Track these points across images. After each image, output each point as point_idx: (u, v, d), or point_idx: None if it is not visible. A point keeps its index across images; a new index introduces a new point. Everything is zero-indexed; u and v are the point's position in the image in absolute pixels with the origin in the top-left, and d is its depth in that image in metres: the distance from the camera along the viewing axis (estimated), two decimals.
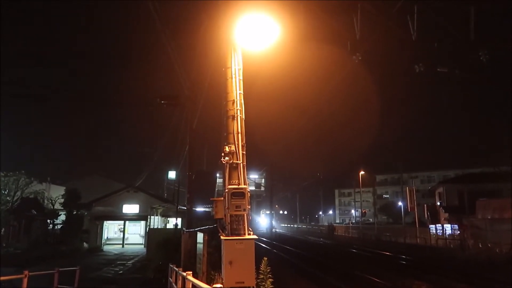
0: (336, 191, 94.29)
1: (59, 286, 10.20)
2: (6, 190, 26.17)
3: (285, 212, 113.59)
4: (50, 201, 29.53)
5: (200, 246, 9.37)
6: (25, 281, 7.78)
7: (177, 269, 8.46)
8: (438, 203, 38.73)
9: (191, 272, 6.25)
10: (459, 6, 10.21)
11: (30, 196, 27.97)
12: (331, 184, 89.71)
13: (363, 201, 62.51)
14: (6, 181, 26.10)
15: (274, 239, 43.82)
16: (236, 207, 6.09)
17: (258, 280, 7.24)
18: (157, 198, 34.10)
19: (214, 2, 7.87)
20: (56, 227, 28.65)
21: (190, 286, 5.85)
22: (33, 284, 8.38)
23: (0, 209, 24.56)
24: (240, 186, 6.33)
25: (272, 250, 27.29)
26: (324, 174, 76.54)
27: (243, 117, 6.84)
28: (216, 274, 8.13)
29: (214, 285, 3.64)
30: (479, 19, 10.06)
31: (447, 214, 33.46)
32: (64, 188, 33.00)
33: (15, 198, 26.57)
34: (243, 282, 5.80)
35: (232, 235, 6.09)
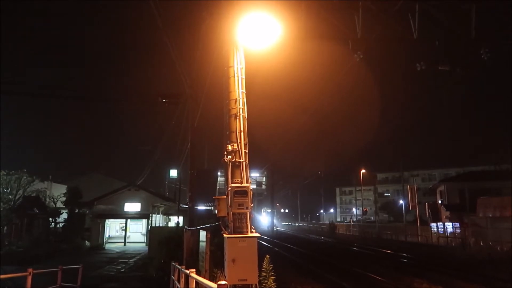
0: (337, 190, 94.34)
1: (62, 284, 10.25)
2: (8, 189, 26.24)
3: (286, 210, 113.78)
4: (52, 199, 29.59)
5: (202, 244, 9.42)
6: (29, 278, 7.82)
7: (179, 267, 8.51)
8: (439, 201, 38.75)
9: (194, 270, 6.29)
10: (460, 4, 10.21)
11: (32, 195, 28.03)
12: (332, 182, 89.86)
13: (364, 199, 62.59)
14: (8, 180, 26.16)
15: (276, 237, 43.90)
16: (239, 205, 6.12)
17: (261, 278, 7.28)
18: (159, 197, 34.14)
19: (216, 1, 7.89)
20: (58, 225, 28.72)
21: (194, 284, 5.89)
22: (36, 282, 8.42)
23: (2, 207, 24.64)
24: (242, 185, 6.36)
25: (274, 248, 27.36)
26: (325, 172, 76.69)
27: (246, 115, 6.87)
28: (218, 271, 8.18)
29: (219, 282, 3.68)
30: (480, 17, 10.06)
31: (448, 212, 33.50)
32: (66, 186, 33.08)
33: (17, 197, 26.63)
34: (246, 280, 5.83)
35: (234, 233, 6.13)
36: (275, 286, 7.65)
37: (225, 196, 6.60)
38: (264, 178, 68.09)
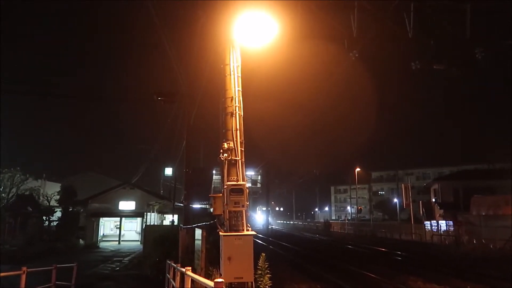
0: (332, 188, 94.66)
1: (56, 282, 10.19)
2: (1, 187, 26.07)
3: (281, 209, 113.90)
4: (45, 198, 29.42)
5: (198, 242, 9.40)
6: (23, 277, 7.77)
7: (175, 265, 8.49)
8: (433, 200, 38.99)
9: (190, 268, 6.28)
10: (455, 4, 10.27)
11: (26, 193, 27.88)
12: (327, 181, 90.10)
13: (358, 197, 62.85)
14: (2, 178, 25.99)
15: (271, 235, 43.96)
16: (235, 203, 6.13)
17: (256, 276, 7.29)
18: (154, 195, 34.04)
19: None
20: (52, 224, 28.55)
21: (190, 282, 5.88)
22: (30, 280, 8.37)
23: None
24: (238, 183, 6.36)
25: (269, 247, 27.39)
26: (320, 171, 76.87)
27: (242, 114, 6.87)
28: (214, 269, 8.17)
29: (216, 280, 3.68)
30: (475, 17, 10.12)
31: (442, 211, 33.72)
32: (60, 184, 32.89)
33: (11, 195, 26.47)
34: (242, 278, 5.84)
35: (230, 231, 6.13)
36: (270, 284, 7.66)
37: (221, 194, 6.60)
38: (259, 177, 68.10)
